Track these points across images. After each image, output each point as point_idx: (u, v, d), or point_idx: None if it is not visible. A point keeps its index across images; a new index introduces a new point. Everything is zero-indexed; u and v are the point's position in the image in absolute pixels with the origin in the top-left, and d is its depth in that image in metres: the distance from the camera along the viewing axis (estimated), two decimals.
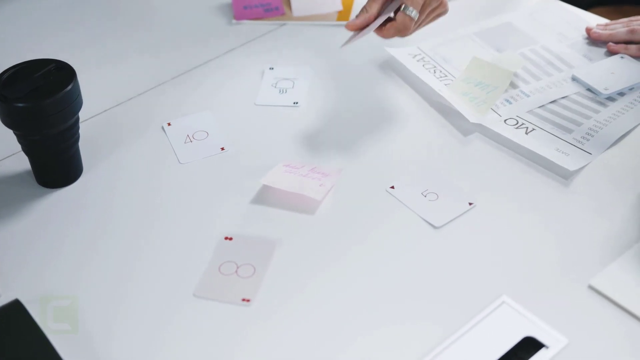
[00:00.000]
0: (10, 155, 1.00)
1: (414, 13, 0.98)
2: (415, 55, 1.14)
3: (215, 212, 0.92)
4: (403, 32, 1.00)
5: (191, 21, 1.27)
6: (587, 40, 1.17)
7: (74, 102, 0.91)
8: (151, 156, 1.00)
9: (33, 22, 1.29)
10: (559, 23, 1.22)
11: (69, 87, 0.90)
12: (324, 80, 1.13)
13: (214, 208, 0.93)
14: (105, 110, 1.08)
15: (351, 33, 1.02)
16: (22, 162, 0.97)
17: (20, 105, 0.87)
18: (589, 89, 1.07)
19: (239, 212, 0.92)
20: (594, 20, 1.22)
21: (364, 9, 1.00)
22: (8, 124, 0.90)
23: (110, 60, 1.19)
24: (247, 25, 1.25)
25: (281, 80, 1.12)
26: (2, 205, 0.93)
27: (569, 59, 1.13)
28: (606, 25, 1.17)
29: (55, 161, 0.94)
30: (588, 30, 1.17)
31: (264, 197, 0.93)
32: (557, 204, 0.92)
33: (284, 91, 1.10)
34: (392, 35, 1.01)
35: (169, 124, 1.05)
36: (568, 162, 0.95)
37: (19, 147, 0.94)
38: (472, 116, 1.01)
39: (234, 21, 1.26)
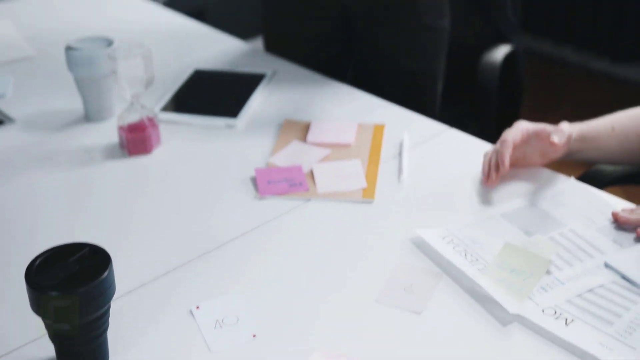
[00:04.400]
0: (35, 340, 0.95)
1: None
2: (445, 237, 1.14)
3: None
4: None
5: (215, 197, 1.26)
6: (614, 225, 1.17)
7: (107, 290, 0.88)
8: (180, 343, 0.96)
9: (59, 198, 1.28)
10: (583, 205, 1.22)
11: (104, 275, 0.87)
12: (353, 261, 1.11)
13: None
14: (130, 292, 1.05)
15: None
16: (46, 349, 0.93)
17: (52, 294, 0.84)
18: (624, 277, 1.06)
19: None
20: (617, 203, 1.23)
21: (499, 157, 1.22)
22: (39, 312, 0.86)
23: (134, 238, 1.17)
24: (273, 200, 1.24)
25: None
26: None
27: (599, 245, 1.13)
28: (632, 210, 1.18)
29: (83, 350, 0.90)
30: (615, 215, 1.18)
31: None
32: None
33: None
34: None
35: (197, 307, 1.01)
36: (614, 359, 0.92)
37: (43, 331, 0.90)
38: (511, 306, 0.99)
39: (258, 196, 1.25)
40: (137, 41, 1.35)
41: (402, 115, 1.50)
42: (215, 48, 1.82)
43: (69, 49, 1.43)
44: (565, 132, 1.24)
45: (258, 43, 1.96)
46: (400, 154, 1.36)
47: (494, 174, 1.24)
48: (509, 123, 2.05)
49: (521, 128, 1.26)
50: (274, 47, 1.83)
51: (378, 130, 1.44)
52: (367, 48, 1.75)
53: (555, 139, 1.22)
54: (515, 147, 1.25)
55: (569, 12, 3.42)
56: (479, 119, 1.96)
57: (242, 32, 2.95)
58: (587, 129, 1.30)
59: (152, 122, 1.38)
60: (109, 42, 1.44)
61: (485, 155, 1.28)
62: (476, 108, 1.97)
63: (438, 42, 1.73)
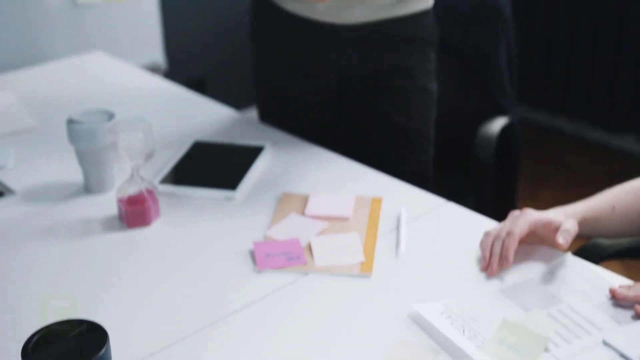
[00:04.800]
0: None
1: None
2: (443, 313, 1.14)
3: None
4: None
5: (214, 270, 1.26)
6: (612, 301, 1.17)
7: None
8: None
9: (57, 271, 1.28)
10: (579, 280, 1.23)
11: (101, 352, 0.87)
12: (350, 337, 1.11)
13: None
14: None
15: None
16: None
17: None
18: (622, 356, 1.06)
19: None
20: (614, 279, 1.23)
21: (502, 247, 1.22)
22: None
23: (132, 312, 1.17)
24: (271, 274, 1.24)
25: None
26: None
27: (597, 321, 1.13)
28: (629, 286, 1.18)
29: None
30: (612, 291, 1.18)
31: None
32: None
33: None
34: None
35: None
36: None
37: None
38: None
39: (256, 269, 1.25)
40: (138, 115, 1.37)
41: (400, 188, 1.52)
42: (214, 119, 1.84)
43: (70, 122, 1.45)
44: (571, 232, 1.22)
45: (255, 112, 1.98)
46: (397, 227, 1.37)
47: (495, 265, 1.23)
48: (505, 196, 2.07)
49: (529, 220, 1.25)
50: (268, 117, 1.86)
51: (376, 203, 1.45)
52: (362, 108, 1.78)
53: (561, 239, 1.21)
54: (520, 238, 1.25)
55: (564, 83, 3.48)
56: (476, 192, 1.98)
57: (243, 100, 3.00)
58: (588, 211, 1.29)
59: (152, 194, 1.39)
60: (110, 116, 1.46)
61: (486, 235, 1.27)
62: (473, 180, 1.98)
63: (429, 102, 1.79)
